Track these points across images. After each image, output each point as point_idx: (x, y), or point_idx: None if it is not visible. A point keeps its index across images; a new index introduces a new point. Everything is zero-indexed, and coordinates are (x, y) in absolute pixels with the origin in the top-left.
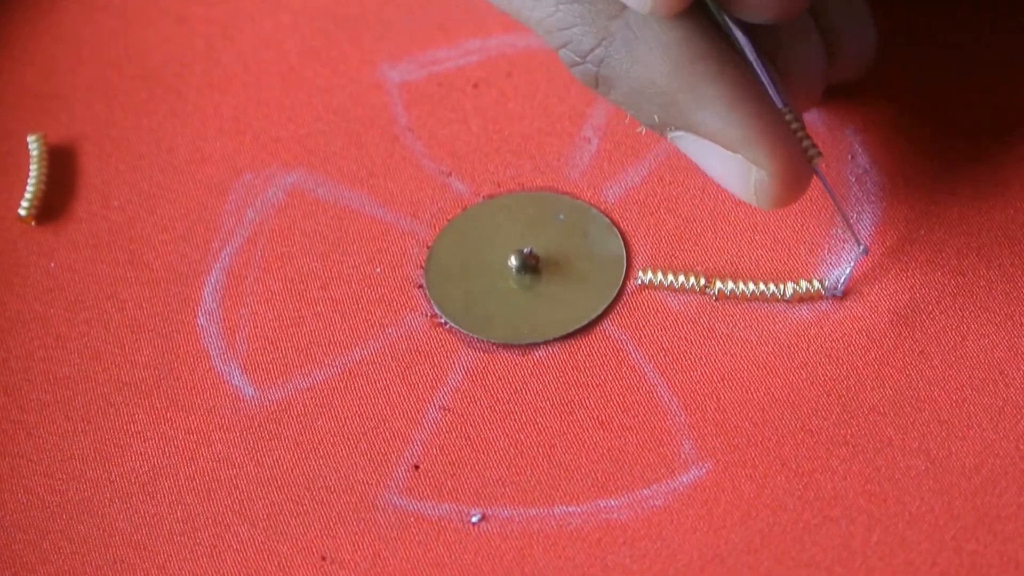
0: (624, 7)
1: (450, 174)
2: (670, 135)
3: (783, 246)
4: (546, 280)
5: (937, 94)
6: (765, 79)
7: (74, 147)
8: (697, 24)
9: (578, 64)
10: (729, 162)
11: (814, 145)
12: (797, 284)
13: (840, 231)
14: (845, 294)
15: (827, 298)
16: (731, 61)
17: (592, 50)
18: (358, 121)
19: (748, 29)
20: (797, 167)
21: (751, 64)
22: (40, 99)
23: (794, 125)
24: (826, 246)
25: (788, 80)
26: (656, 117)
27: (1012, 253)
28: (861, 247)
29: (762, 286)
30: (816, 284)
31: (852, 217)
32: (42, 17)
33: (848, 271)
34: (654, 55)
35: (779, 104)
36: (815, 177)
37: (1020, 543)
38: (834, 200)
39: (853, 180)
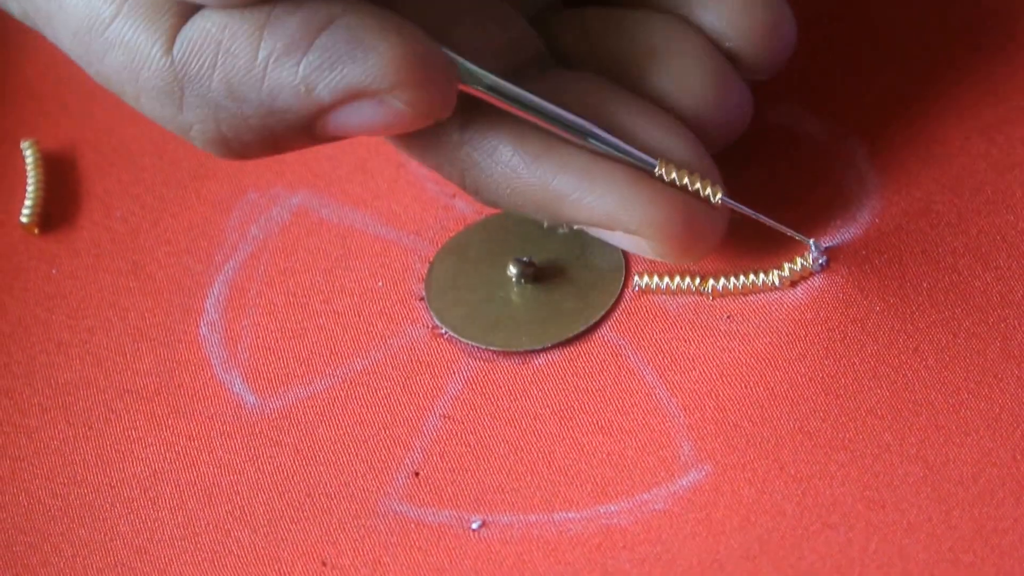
0: (461, 132)
1: (454, 196)
2: (574, 227)
3: (782, 245)
4: (545, 289)
5: (937, 97)
6: (622, 145)
7: (77, 154)
8: (526, 124)
9: (475, 196)
10: (624, 238)
11: (712, 182)
12: (781, 270)
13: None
14: (837, 274)
15: (817, 272)
16: (572, 146)
17: (464, 182)
18: (364, 148)
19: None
20: (683, 223)
21: (597, 135)
22: (43, 107)
23: (673, 176)
24: (819, 228)
25: (672, 100)
26: (544, 221)
27: (1010, 256)
28: (811, 243)
29: (752, 276)
30: (800, 262)
31: (776, 220)
32: None
33: (819, 246)
34: (501, 167)
35: (652, 163)
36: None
37: (1017, 556)
38: (757, 216)
39: (853, 183)
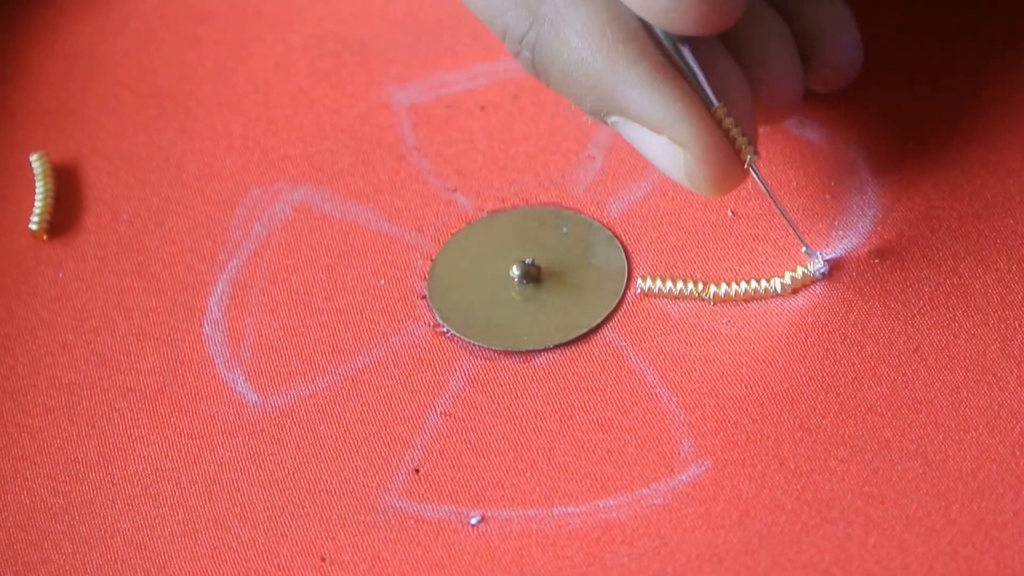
0: None
1: (455, 191)
2: (608, 121)
3: (785, 253)
4: (547, 290)
5: (935, 103)
6: (699, 77)
7: (85, 162)
8: (625, 10)
9: (516, 51)
10: (660, 145)
11: (750, 144)
12: (783, 277)
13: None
14: (838, 281)
15: (818, 280)
16: (657, 47)
17: (525, 34)
18: (366, 141)
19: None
20: (722, 153)
21: (684, 63)
22: (53, 116)
23: (726, 122)
24: (820, 238)
25: (760, 87)
26: (588, 102)
27: (1009, 259)
28: (808, 251)
29: (754, 283)
30: (801, 270)
31: (794, 220)
32: (57, 38)
33: (822, 254)
34: (579, 37)
35: (714, 102)
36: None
37: (1016, 550)
38: (774, 201)
39: (854, 190)
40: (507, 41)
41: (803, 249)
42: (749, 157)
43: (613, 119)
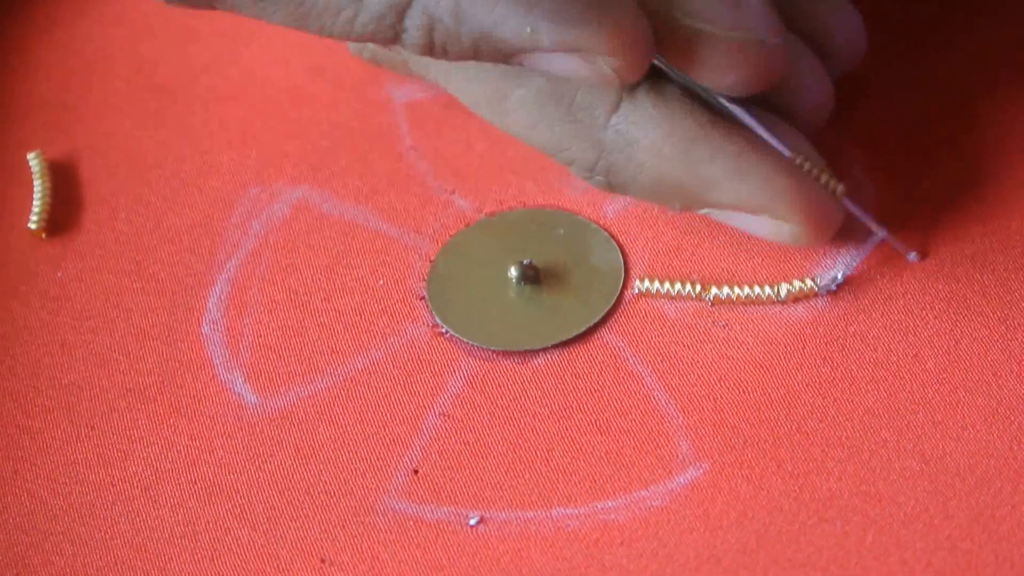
0: (609, 116)
1: (453, 192)
2: (699, 212)
3: (779, 253)
4: (545, 291)
5: (933, 104)
6: (765, 134)
7: (83, 159)
8: (681, 107)
9: (588, 178)
10: (760, 222)
11: (833, 176)
12: (791, 284)
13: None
14: (839, 291)
15: (822, 295)
16: (724, 132)
17: (595, 164)
18: (364, 139)
19: None
20: (821, 209)
21: (747, 123)
22: (52, 113)
23: (807, 166)
24: (821, 249)
25: (795, 113)
26: (677, 205)
27: (1007, 260)
28: (911, 255)
29: (756, 289)
30: (809, 282)
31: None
32: (55, 33)
33: (843, 271)
34: (651, 155)
35: (786, 154)
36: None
37: (1014, 542)
38: (872, 225)
39: (850, 191)
40: (575, 170)
41: (911, 256)
42: (839, 189)
43: (705, 211)
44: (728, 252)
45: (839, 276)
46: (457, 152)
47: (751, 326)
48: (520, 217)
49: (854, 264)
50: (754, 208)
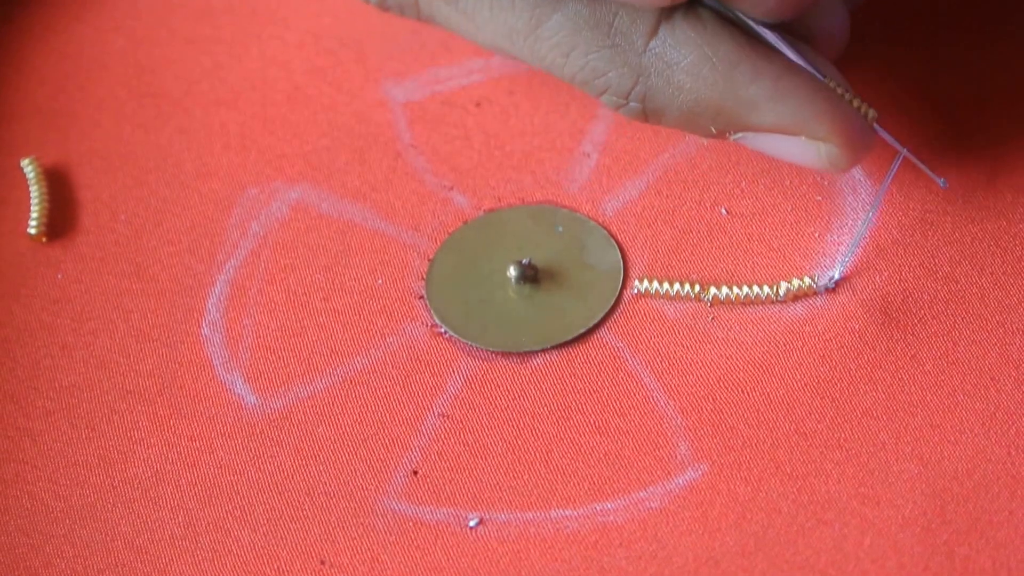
0: (648, 40)
1: (452, 188)
2: (732, 138)
3: (778, 253)
4: (544, 290)
5: (931, 104)
6: (798, 59)
7: (83, 162)
8: (718, 31)
9: (623, 105)
10: (796, 144)
11: (864, 102)
12: (790, 283)
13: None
14: (838, 291)
15: (821, 293)
16: (762, 55)
17: (632, 89)
18: (362, 138)
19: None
20: (858, 130)
21: (780, 48)
22: (50, 117)
23: (839, 90)
24: (820, 248)
25: (813, 42)
26: (712, 129)
27: (1004, 262)
28: (941, 181)
29: (756, 288)
30: (808, 280)
31: (919, 159)
32: (54, 37)
33: (840, 268)
34: (691, 77)
35: (820, 77)
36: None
37: (1012, 548)
38: (899, 148)
39: (848, 190)
40: (608, 97)
41: (941, 182)
42: (871, 114)
43: (738, 136)
44: (727, 252)
45: (836, 274)
46: (455, 149)
47: (750, 326)
48: (518, 214)
49: (841, 258)
50: (793, 129)
